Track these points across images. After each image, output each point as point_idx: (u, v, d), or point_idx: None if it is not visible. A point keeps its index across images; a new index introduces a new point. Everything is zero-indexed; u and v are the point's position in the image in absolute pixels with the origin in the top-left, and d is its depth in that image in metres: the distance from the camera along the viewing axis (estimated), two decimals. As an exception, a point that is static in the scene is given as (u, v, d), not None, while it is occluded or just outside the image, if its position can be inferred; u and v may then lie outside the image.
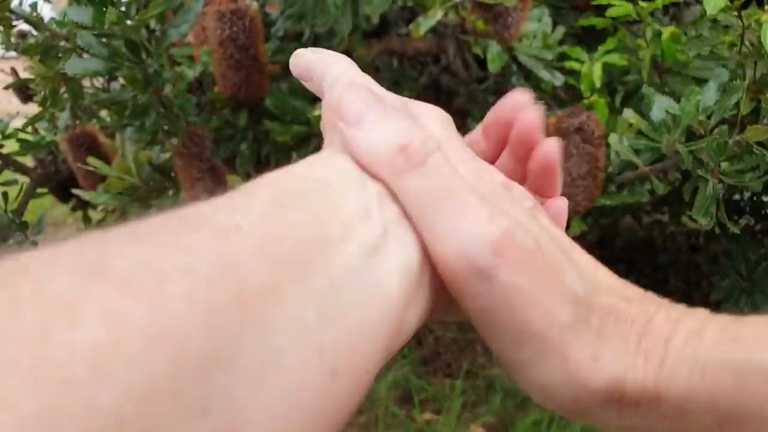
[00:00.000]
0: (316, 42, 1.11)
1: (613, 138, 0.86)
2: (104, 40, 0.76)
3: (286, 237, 0.18)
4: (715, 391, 0.19)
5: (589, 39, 1.12)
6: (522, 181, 0.27)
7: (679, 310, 0.22)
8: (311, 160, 0.23)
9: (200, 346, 0.14)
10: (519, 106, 0.26)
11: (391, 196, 0.22)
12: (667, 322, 0.21)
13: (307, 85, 0.28)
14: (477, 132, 0.29)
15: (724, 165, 0.77)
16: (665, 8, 1.14)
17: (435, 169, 0.22)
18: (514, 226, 0.21)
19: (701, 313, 0.22)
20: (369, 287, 0.19)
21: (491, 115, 0.28)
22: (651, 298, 0.23)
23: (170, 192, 0.97)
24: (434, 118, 0.26)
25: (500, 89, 1.18)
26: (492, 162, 0.28)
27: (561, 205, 0.27)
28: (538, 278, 0.21)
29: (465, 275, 0.21)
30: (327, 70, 0.26)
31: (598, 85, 0.95)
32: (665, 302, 0.22)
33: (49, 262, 0.14)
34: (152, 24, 0.80)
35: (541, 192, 0.27)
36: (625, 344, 0.21)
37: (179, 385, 0.14)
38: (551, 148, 0.26)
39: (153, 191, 0.97)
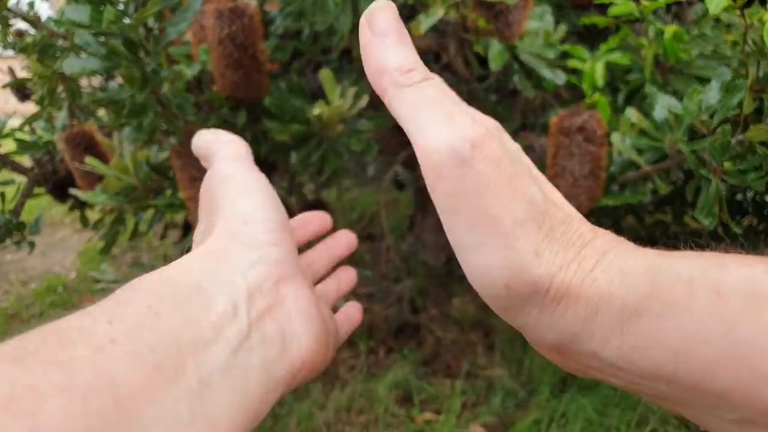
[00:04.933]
0: (315, 40, 1.10)
1: (615, 137, 0.85)
2: (102, 38, 0.75)
3: (160, 343, 0.21)
4: (629, 291, 0.22)
5: (592, 37, 1.11)
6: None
7: (626, 240, 0.25)
8: (187, 261, 0.26)
9: None
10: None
11: (266, 288, 0.26)
12: (611, 241, 0.24)
13: (204, 164, 0.33)
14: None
15: (727, 164, 0.76)
16: (667, 7, 1.13)
17: (430, 87, 0.26)
18: (491, 134, 0.25)
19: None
20: (233, 382, 0.22)
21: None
22: (604, 230, 0.26)
23: (168, 192, 0.97)
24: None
25: (501, 88, 1.18)
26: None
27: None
28: (505, 176, 0.24)
29: (445, 161, 0.24)
30: (218, 146, 0.31)
31: (600, 84, 0.94)
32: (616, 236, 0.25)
33: None
34: (150, 22, 0.79)
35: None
36: (566, 249, 0.24)
37: None
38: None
39: (151, 191, 0.96)
